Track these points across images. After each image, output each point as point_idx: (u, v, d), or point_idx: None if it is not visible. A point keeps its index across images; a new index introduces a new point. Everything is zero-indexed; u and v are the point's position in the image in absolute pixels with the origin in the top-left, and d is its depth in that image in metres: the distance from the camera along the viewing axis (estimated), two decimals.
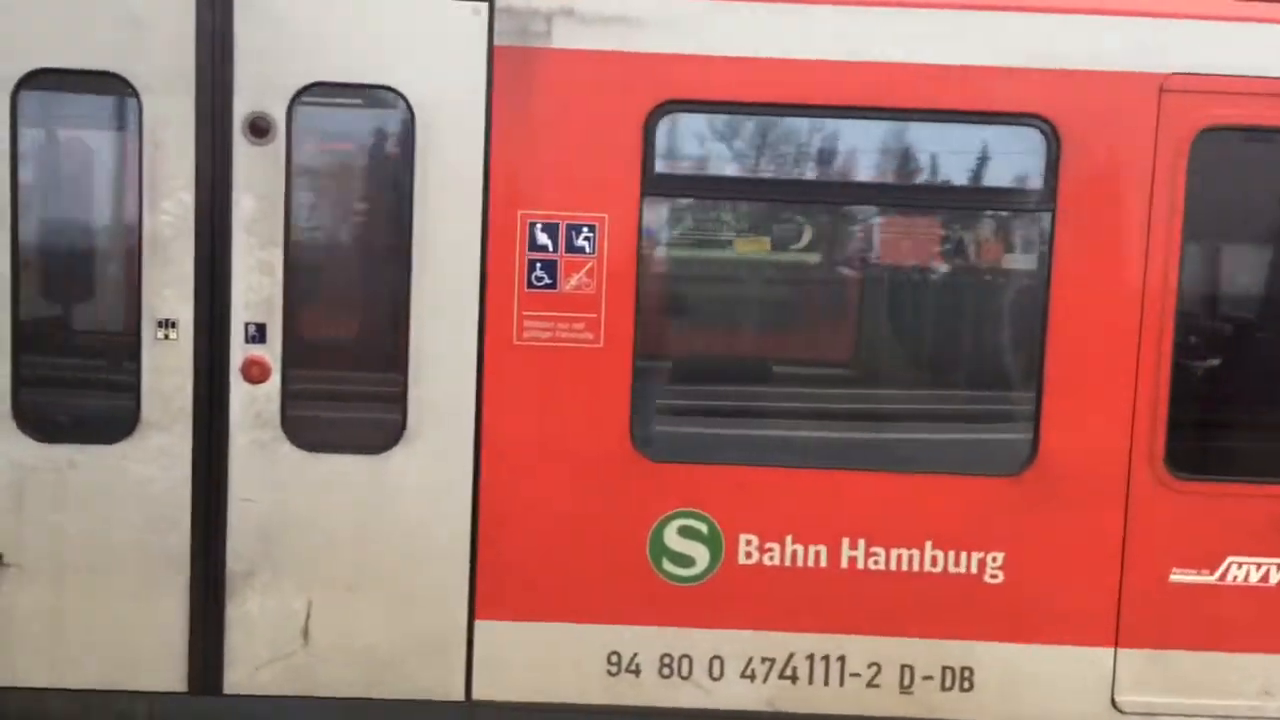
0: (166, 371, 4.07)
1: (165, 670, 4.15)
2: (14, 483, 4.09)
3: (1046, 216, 4.00)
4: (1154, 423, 4.03)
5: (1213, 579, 4.09)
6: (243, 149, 4.01)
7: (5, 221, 3.99)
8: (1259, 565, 4.09)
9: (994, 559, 4.10)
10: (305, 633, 4.16)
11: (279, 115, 4.00)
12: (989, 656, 4.14)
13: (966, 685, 4.15)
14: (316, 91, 4.03)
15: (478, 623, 4.14)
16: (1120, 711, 4.15)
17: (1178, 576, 4.09)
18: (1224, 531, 4.08)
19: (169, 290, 4.03)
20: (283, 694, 4.17)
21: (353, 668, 4.15)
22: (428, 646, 4.14)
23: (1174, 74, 3.97)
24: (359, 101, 4.10)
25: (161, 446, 4.08)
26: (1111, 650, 4.14)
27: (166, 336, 4.05)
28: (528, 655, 4.15)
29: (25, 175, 4.06)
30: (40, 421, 4.11)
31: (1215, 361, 4.33)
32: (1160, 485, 4.05)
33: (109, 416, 4.11)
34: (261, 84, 4.00)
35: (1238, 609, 4.10)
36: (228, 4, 3.98)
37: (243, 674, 4.17)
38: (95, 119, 4.16)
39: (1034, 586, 4.11)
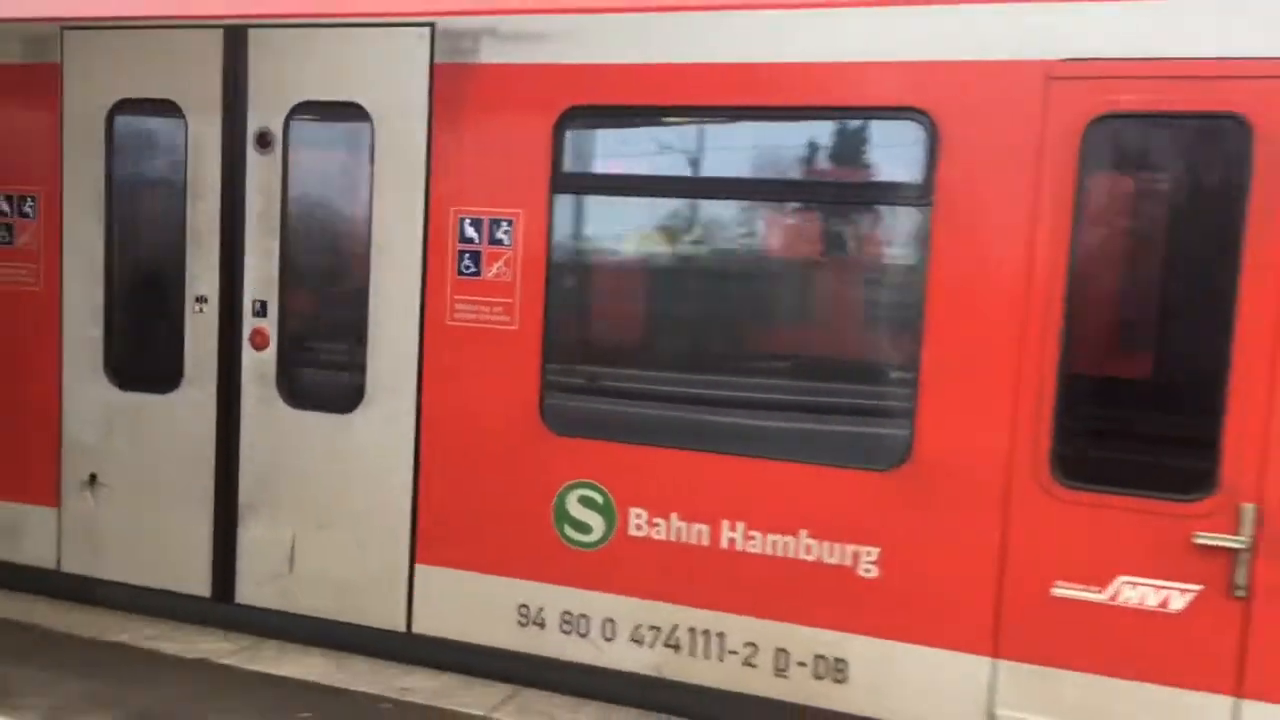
0: (200, 339, 5.06)
1: (196, 579, 5.16)
2: (105, 419, 5.27)
3: (925, 211, 3.94)
4: (1038, 426, 3.83)
5: (1102, 597, 3.82)
6: (253, 157, 4.91)
7: (102, 217, 5.18)
8: (1157, 588, 3.77)
9: (868, 553, 4.09)
10: (291, 560, 4.99)
11: (278, 130, 4.85)
12: (862, 650, 4.13)
13: (840, 677, 4.17)
14: (304, 109, 4.84)
15: (417, 566, 4.76)
16: None
17: (1061, 590, 3.86)
18: (1116, 547, 3.79)
19: (202, 273, 5.02)
20: (276, 609, 5.03)
21: (324, 595, 4.93)
22: (379, 583, 4.82)
23: (1062, 60, 3.76)
24: (335, 116, 4.85)
25: (196, 399, 5.08)
26: (990, 660, 3.98)
27: (200, 310, 5.04)
28: (456, 599, 4.70)
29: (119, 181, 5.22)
30: (121, 374, 5.26)
31: (1111, 364, 4.00)
32: (1044, 492, 3.85)
33: (165, 373, 5.17)
34: (266, 105, 4.87)
35: (1131, 633, 3.79)
36: (245, 45, 4.90)
37: (249, 589, 5.08)
38: (160, 136, 5.22)
39: (910, 585, 4.05)
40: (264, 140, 4.88)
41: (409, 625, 4.80)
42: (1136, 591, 3.78)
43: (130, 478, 5.26)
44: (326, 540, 4.90)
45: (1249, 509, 3.62)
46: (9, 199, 5.36)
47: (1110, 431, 4.02)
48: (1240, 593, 3.66)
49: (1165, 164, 3.98)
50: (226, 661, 4.82)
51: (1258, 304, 3.58)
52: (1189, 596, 3.73)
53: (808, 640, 4.20)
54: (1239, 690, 3.70)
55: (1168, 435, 3.90)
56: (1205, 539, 3.67)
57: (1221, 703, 3.71)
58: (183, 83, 5.01)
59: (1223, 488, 3.65)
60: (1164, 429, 3.93)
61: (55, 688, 4.42)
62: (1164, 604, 3.76)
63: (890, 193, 4.13)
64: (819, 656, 4.19)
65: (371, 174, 4.71)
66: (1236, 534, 3.64)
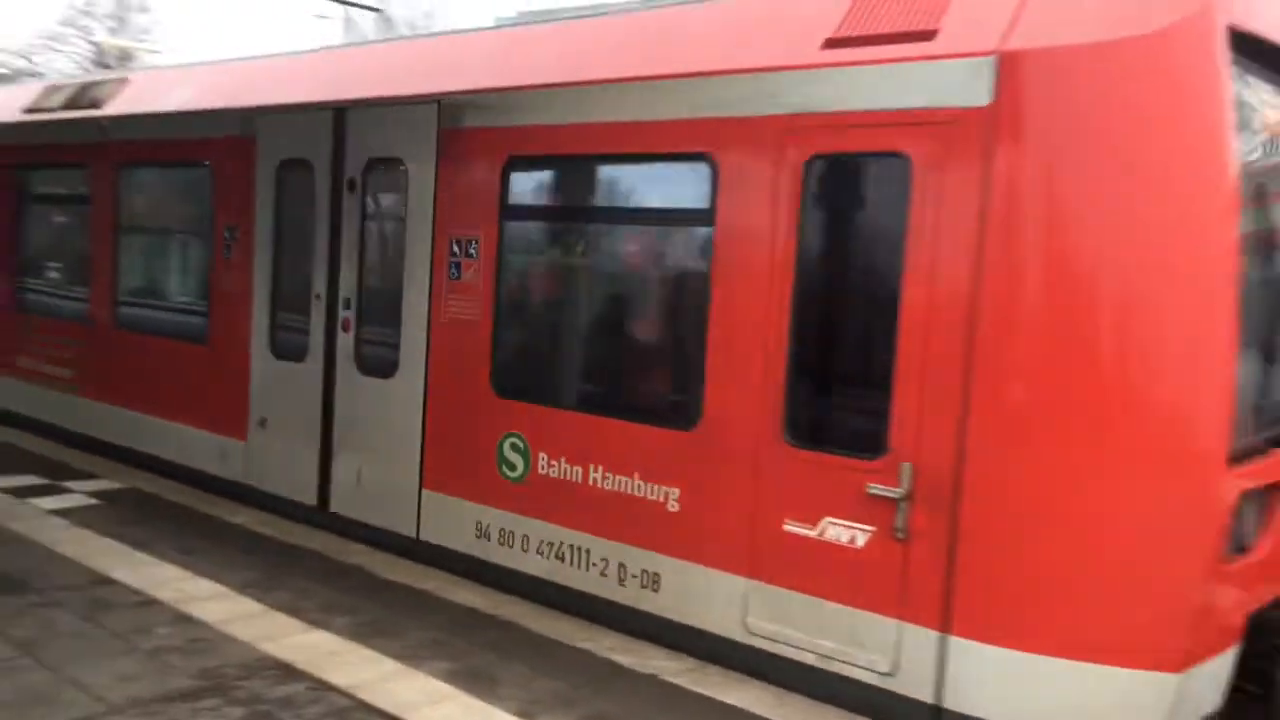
0: (316, 324, 7.29)
1: (308, 493, 7.37)
2: (268, 382, 7.66)
3: (710, 229, 5.19)
4: (776, 398, 4.95)
5: (814, 533, 4.84)
6: (346, 197, 7.06)
7: (271, 241, 7.60)
8: (847, 528, 4.74)
9: (673, 493, 5.36)
10: (358, 482, 7.04)
11: (358, 178, 6.97)
12: (669, 568, 5.39)
13: (655, 587, 5.45)
14: (372, 164, 6.91)
15: (424, 491, 6.62)
16: (749, 633, 5.09)
17: (789, 527, 4.93)
18: (823, 494, 4.82)
19: (318, 277, 7.25)
20: (349, 517, 7.11)
21: (375, 508, 6.91)
22: (402, 499, 6.72)
23: (790, 115, 4.90)
24: (387, 168, 6.87)
25: (313, 369, 7.31)
26: (745, 580, 5.11)
27: (318, 302, 7.27)
28: (442, 516, 6.49)
29: (281, 215, 7.63)
30: (278, 348, 7.63)
31: (819, 352, 4.98)
32: (779, 449, 4.95)
33: (301, 348, 7.44)
34: (353, 161, 7.00)
35: (835, 564, 4.78)
36: (344, 121, 7.07)
37: (338, 501, 7.19)
38: (301, 184, 7.50)
39: (698, 518, 5.27)
40: (351, 185, 7.01)
41: (418, 533, 6.66)
42: (835, 530, 4.77)
43: (283, 421, 7.59)
44: (377, 469, 6.90)
45: (907, 467, 4.53)
46: (230, 229, 7.95)
47: (821, 404, 5.01)
48: (900, 535, 4.56)
49: (856, 192, 4.94)
50: (675, 680, 5.05)
51: (913, 305, 4.50)
52: (867, 536, 4.67)
53: (637, 558, 5.52)
54: (938, 623, 4.51)
55: (857, 408, 4.84)
56: (876, 489, 4.61)
57: (918, 634, 4.56)
58: (312, 147, 7.28)
59: (891, 450, 4.58)
60: (855, 404, 4.89)
61: (530, 684, 4.93)
62: (852, 541, 4.72)
63: (693, 216, 5.39)
64: (644, 570, 5.49)
65: (405, 209, 6.66)
66: (897, 487, 4.54)
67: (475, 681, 4.90)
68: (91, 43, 57.67)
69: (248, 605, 5.69)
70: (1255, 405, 4.54)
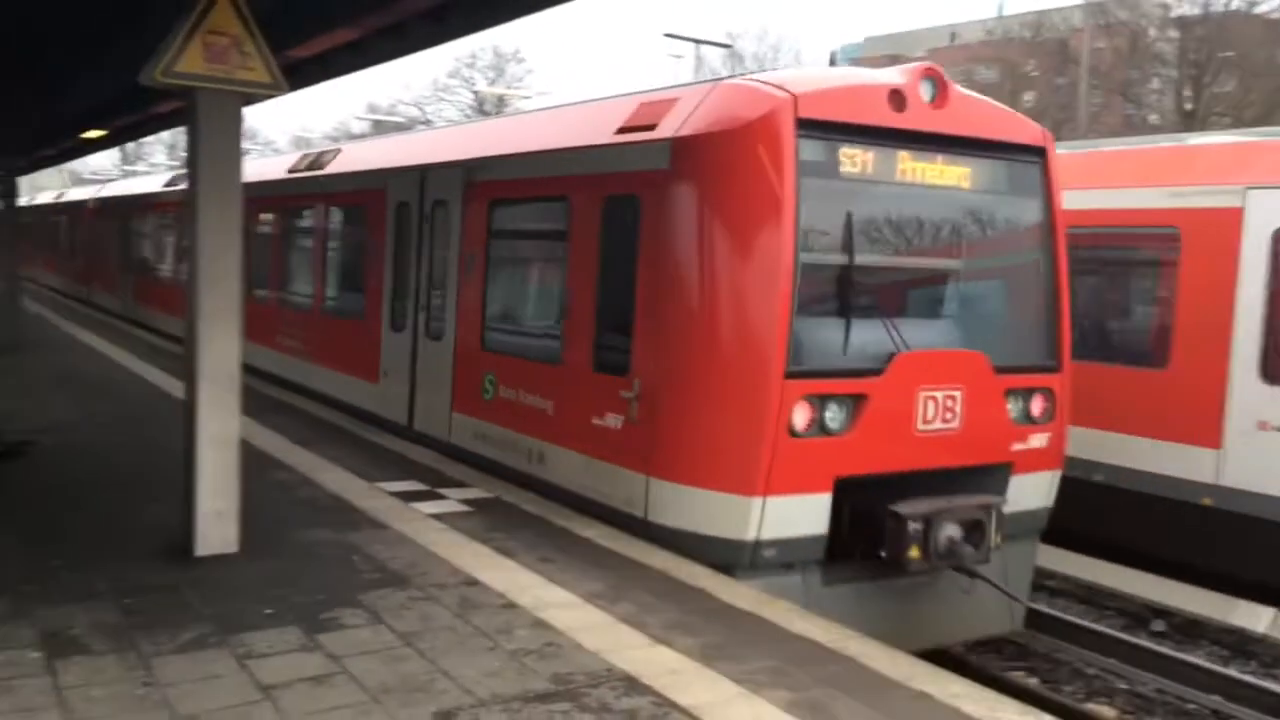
0: (410, 308, 11.03)
1: (404, 417, 11.07)
2: (388, 346, 11.43)
3: (567, 243, 8.60)
4: (590, 347, 8.36)
5: (604, 423, 7.90)
6: (422, 225, 10.79)
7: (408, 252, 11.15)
8: (614, 417, 7.87)
9: (550, 402, 8.60)
10: (426, 409, 10.71)
11: (429, 211, 10.67)
12: (550, 449, 8.68)
13: (543, 461, 8.73)
14: (437, 202, 10.60)
15: (453, 413, 10.16)
16: (583, 487, 8.34)
17: (594, 421, 7.93)
18: (606, 399, 7.92)
19: (411, 276, 10.97)
20: (421, 431, 10.76)
21: (430, 424, 10.55)
22: (442, 417, 10.31)
23: (601, 173, 8.24)
24: (441, 206, 10.46)
25: (407, 337, 11.04)
26: (580, 454, 8.30)
27: (412, 293, 11.03)
28: (460, 427, 10.03)
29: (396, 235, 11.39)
30: (394, 324, 11.39)
31: (607, 317, 8.17)
32: (593, 374, 8.22)
33: (403, 323, 11.25)
34: (427, 200, 10.71)
35: (608, 438, 7.92)
36: (427, 176, 10.79)
37: (418, 421, 10.86)
38: (404, 215, 11.16)
39: (561, 419, 8.50)
40: (424, 217, 10.68)
41: (449, 438, 10.20)
42: (610, 419, 7.82)
43: (396, 371, 11.32)
44: (432, 398, 10.53)
45: (637, 381, 7.56)
46: (372, 246, 11.90)
47: (607, 349, 7.99)
48: (633, 420, 7.61)
49: (623, 218, 7.81)
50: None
51: (642, 285, 7.62)
52: (620, 421, 7.73)
53: (538, 444, 8.79)
54: (647, 470, 7.53)
55: (620, 350, 7.80)
56: (624, 394, 7.67)
57: (640, 478, 7.59)
58: (411, 193, 11.00)
59: (631, 371, 7.66)
60: (619, 348, 7.80)
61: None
62: (615, 425, 7.78)
63: (561, 233, 8.67)
64: (540, 451, 8.75)
65: (448, 233, 10.25)
66: (632, 392, 7.56)
67: (814, 714, 4.84)
68: (473, 91, 63.85)
69: (596, 615, 5.97)
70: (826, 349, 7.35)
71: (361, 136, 42.75)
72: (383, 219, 11.37)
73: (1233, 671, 8.42)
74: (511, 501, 8.64)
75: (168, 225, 20.53)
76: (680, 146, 7.29)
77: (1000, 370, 7.72)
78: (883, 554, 7.17)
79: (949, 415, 7.45)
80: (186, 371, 6.80)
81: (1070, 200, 8.51)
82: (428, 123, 67.25)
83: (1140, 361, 9.98)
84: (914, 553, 7.10)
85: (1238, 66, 38.52)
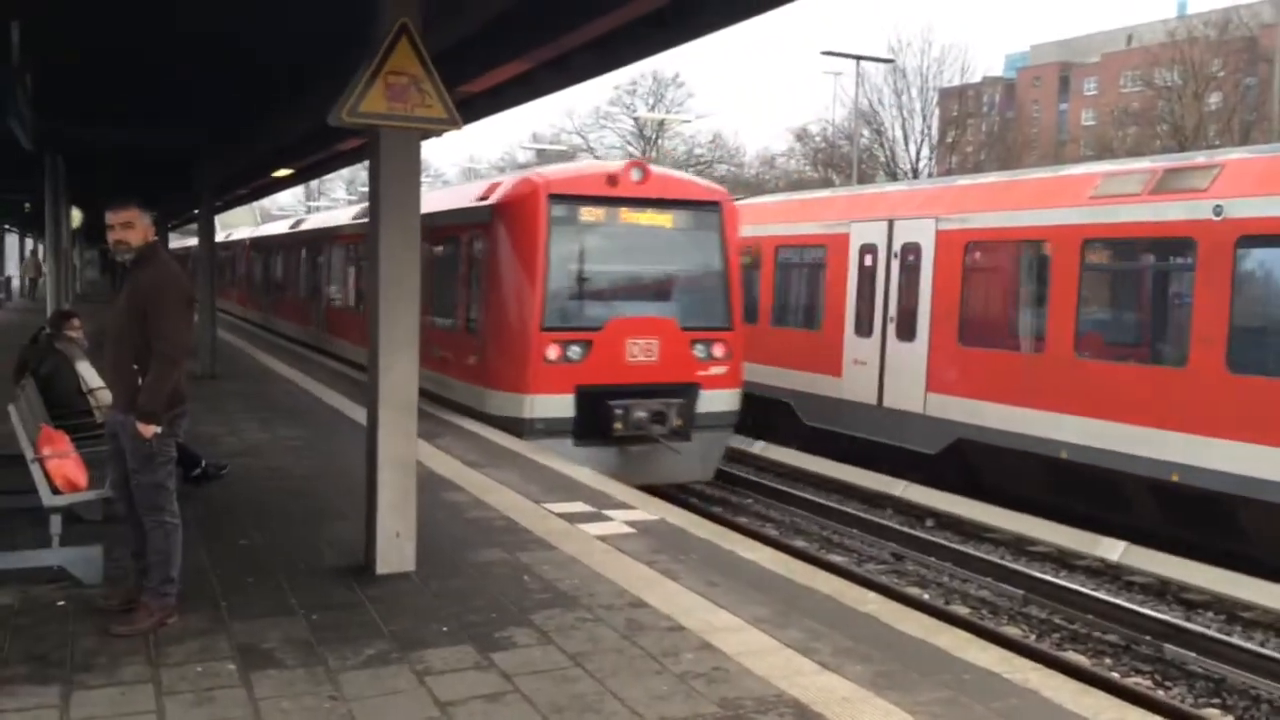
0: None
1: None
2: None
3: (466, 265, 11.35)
4: (468, 324, 12.47)
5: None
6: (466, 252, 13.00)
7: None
8: None
9: (450, 353, 11.72)
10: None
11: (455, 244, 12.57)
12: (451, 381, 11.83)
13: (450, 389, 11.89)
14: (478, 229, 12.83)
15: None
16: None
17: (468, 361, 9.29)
18: None
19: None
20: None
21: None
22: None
23: (469, 223, 12.27)
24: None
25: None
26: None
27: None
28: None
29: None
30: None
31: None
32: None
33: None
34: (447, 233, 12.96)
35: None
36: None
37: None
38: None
39: (457, 362, 12.47)
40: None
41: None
42: (469, 359, 13.35)
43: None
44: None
45: (480, 337, 12.14)
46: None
47: (470, 318, 12.14)
48: (480, 358, 11.75)
49: (476, 249, 12.50)
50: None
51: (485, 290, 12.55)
52: (475, 359, 12.65)
53: (447, 379, 12.31)
54: (484, 384, 12.89)
55: (475, 319, 13.15)
56: (475, 344, 12.13)
57: (481, 389, 12.89)
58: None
59: (478, 331, 12.37)
60: (475, 318, 13.33)
61: None
62: (473, 362, 13.28)
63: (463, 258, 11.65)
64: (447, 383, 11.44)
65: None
66: (479, 342, 11.75)
67: None
68: (633, 117, 64.85)
69: (763, 640, 5.91)
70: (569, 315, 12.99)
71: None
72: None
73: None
74: (676, 524, 8.67)
75: (304, 258, 26.21)
76: (496, 208, 13.23)
77: (686, 328, 13.29)
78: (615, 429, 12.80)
79: (649, 354, 12.93)
80: (368, 397, 7.12)
81: (788, 229, 17.48)
82: (590, 150, 68.67)
83: (810, 326, 16.80)
84: (618, 426, 12.68)
85: None
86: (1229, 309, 10.55)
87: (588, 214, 13.11)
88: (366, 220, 7.36)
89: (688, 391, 13.13)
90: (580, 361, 12.68)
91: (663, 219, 13.45)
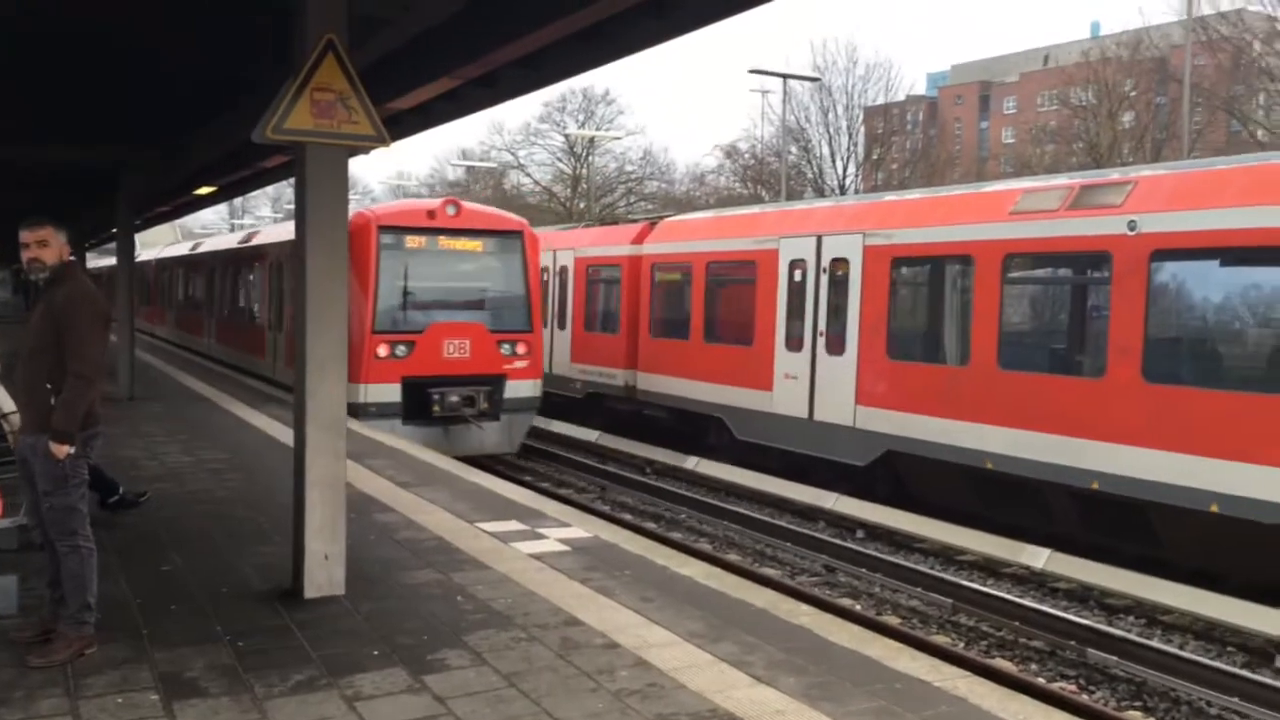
0: None
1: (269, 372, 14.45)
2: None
3: None
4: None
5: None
6: None
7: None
8: None
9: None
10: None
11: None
12: None
13: None
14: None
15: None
16: None
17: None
18: None
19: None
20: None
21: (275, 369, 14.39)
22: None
23: None
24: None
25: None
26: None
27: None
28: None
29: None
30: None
31: None
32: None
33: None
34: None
35: None
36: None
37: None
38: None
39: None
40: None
41: (274, 375, 13.08)
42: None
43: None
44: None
45: None
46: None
47: None
48: None
49: None
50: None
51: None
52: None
53: None
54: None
55: None
56: None
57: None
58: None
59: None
60: None
61: None
62: None
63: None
64: None
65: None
66: None
67: None
68: (564, 135, 64.93)
69: (697, 655, 5.93)
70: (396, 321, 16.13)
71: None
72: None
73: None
74: (610, 541, 8.65)
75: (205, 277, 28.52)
76: None
77: (494, 331, 16.55)
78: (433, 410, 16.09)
79: (463, 351, 16.19)
80: (295, 417, 7.00)
81: (718, 245, 17.71)
82: (521, 167, 68.51)
83: (742, 341, 16.75)
84: (436, 408, 15.95)
85: None
86: (1144, 320, 10.87)
87: (411, 241, 16.32)
88: (249, 244, 7.35)
89: (495, 381, 16.40)
90: (406, 358, 15.83)
91: (473, 245, 16.80)
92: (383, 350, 15.69)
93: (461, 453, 14.60)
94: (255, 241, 23.39)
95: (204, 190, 20.40)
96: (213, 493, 10.25)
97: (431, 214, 16.66)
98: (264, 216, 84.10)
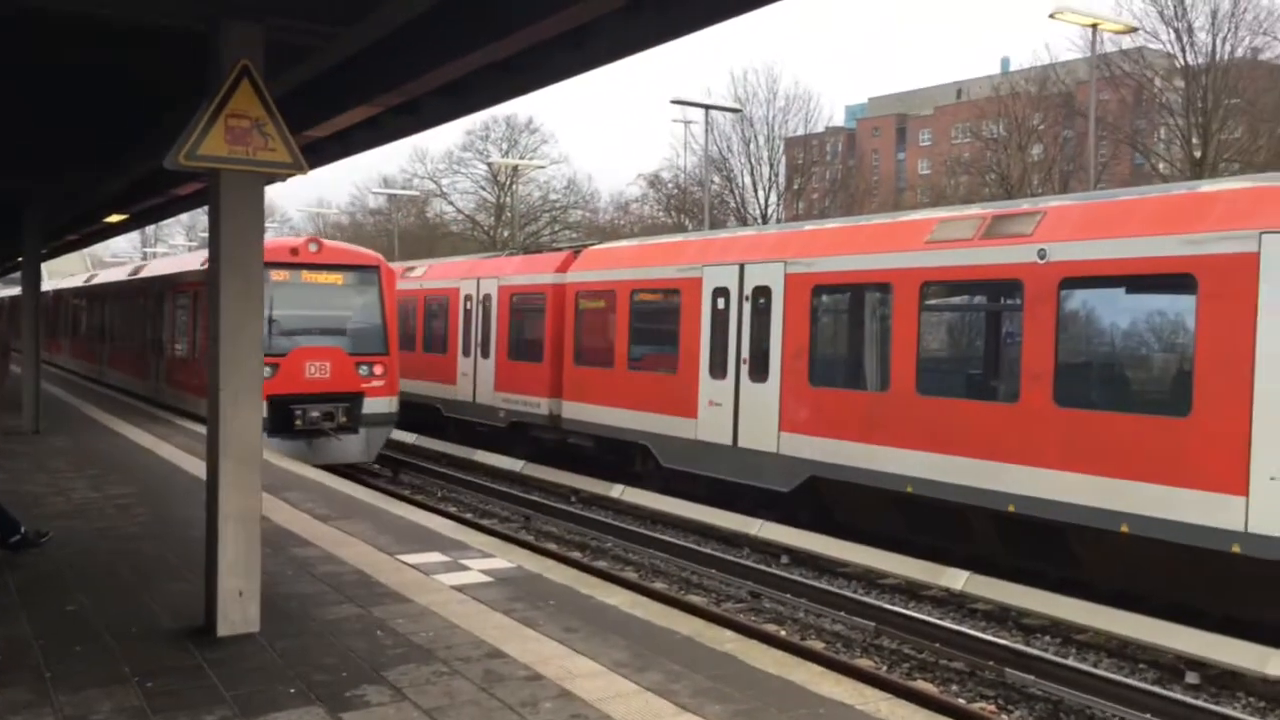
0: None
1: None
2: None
3: None
4: None
5: None
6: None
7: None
8: None
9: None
10: None
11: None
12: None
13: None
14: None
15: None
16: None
17: None
18: None
19: None
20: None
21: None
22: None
23: None
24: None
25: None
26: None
27: None
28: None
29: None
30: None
31: None
32: None
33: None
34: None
35: None
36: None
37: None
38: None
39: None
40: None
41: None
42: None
43: None
44: None
45: None
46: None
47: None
48: None
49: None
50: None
51: None
52: None
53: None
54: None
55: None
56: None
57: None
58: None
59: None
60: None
61: None
62: None
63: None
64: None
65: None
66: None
67: None
68: (486, 163, 64.76)
69: (622, 684, 5.89)
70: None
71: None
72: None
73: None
74: (534, 570, 8.57)
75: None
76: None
77: (352, 354, 18.28)
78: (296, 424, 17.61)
79: (324, 372, 17.82)
80: (209, 449, 6.82)
81: (642, 273, 17.59)
82: (444, 195, 68.10)
83: (666, 369, 16.86)
84: (298, 422, 17.48)
85: (1245, 113, 38.68)
86: (1055, 346, 11.18)
87: (276, 275, 17.56)
88: (135, 277, 7.26)
89: (354, 399, 18.13)
90: (271, 378, 16.79)
91: (334, 278, 18.59)
92: None
93: (323, 462, 16.32)
94: (141, 274, 25.86)
95: (115, 218, 19.88)
96: (121, 529, 9.92)
97: (295, 251, 18.40)
98: (178, 245, 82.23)
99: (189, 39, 6.91)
